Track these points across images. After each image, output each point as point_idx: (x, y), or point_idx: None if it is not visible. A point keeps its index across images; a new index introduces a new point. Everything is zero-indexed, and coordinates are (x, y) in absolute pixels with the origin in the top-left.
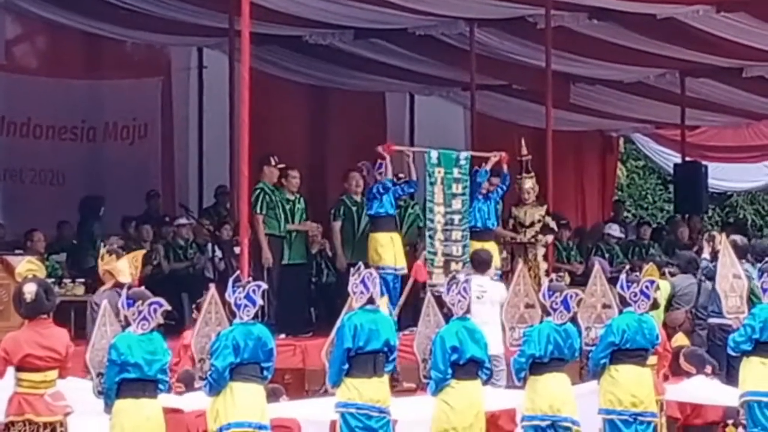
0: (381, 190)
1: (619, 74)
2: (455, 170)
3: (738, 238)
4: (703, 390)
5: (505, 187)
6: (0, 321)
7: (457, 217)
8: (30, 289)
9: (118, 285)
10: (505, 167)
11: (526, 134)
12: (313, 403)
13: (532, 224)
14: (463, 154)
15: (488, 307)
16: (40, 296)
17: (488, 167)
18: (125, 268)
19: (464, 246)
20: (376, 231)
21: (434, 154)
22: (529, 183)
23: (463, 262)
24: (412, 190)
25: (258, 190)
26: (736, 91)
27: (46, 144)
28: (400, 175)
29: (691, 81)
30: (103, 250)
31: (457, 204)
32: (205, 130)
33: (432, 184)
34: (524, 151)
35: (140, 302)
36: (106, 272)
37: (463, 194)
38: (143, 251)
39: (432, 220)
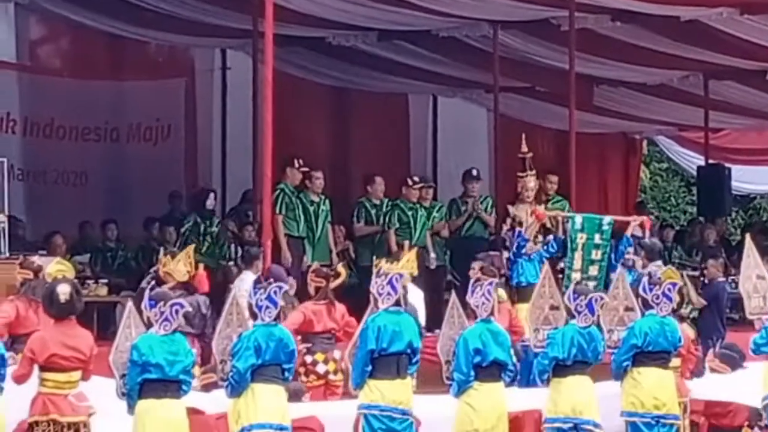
0: (522, 258)
1: (642, 76)
2: (596, 236)
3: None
4: (735, 387)
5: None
6: None
7: (591, 284)
8: (64, 290)
9: (180, 285)
10: (647, 232)
11: (549, 136)
12: (335, 404)
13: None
14: (606, 219)
15: None
16: (74, 297)
17: (629, 233)
18: (182, 267)
19: None
20: (521, 301)
21: (578, 219)
22: (532, 182)
23: None
24: (553, 251)
25: (278, 191)
26: (760, 94)
27: (70, 145)
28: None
29: (715, 83)
30: (161, 254)
31: (593, 270)
32: (229, 131)
33: (573, 250)
34: (524, 148)
35: (162, 303)
36: (166, 274)
37: (602, 260)
38: (192, 246)
39: (567, 287)
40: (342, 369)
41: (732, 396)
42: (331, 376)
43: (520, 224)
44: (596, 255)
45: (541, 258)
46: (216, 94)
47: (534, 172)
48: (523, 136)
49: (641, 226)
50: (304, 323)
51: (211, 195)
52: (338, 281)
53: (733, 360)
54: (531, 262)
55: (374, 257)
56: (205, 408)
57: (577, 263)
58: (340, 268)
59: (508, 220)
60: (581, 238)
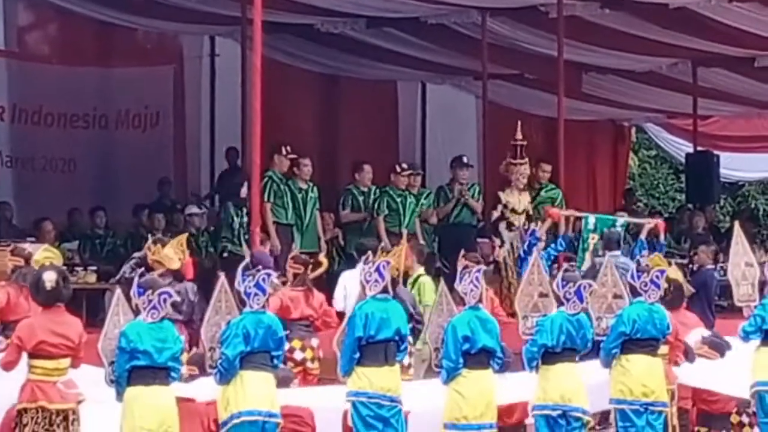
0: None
1: (631, 64)
2: None
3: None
4: (722, 377)
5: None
6: None
7: None
8: (50, 277)
9: (169, 272)
10: (661, 235)
11: (538, 123)
12: (324, 390)
13: (523, 211)
14: (620, 221)
15: None
16: (60, 284)
17: (644, 236)
18: (173, 255)
19: None
20: None
21: (591, 219)
22: (523, 168)
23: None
24: (561, 249)
25: (266, 179)
26: (749, 81)
27: (58, 131)
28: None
29: (704, 71)
30: (149, 242)
31: None
32: (217, 118)
33: (584, 250)
34: (519, 135)
35: (150, 291)
36: (155, 262)
37: None
38: (185, 235)
39: None
40: (319, 357)
41: (719, 386)
42: (309, 364)
43: (513, 211)
44: None
45: (549, 256)
46: (204, 81)
47: (526, 159)
48: (519, 123)
49: (656, 228)
50: (281, 309)
51: (246, 184)
52: (319, 271)
53: (721, 346)
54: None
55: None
56: (194, 395)
57: (587, 263)
58: (322, 258)
59: (499, 207)
60: (593, 239)
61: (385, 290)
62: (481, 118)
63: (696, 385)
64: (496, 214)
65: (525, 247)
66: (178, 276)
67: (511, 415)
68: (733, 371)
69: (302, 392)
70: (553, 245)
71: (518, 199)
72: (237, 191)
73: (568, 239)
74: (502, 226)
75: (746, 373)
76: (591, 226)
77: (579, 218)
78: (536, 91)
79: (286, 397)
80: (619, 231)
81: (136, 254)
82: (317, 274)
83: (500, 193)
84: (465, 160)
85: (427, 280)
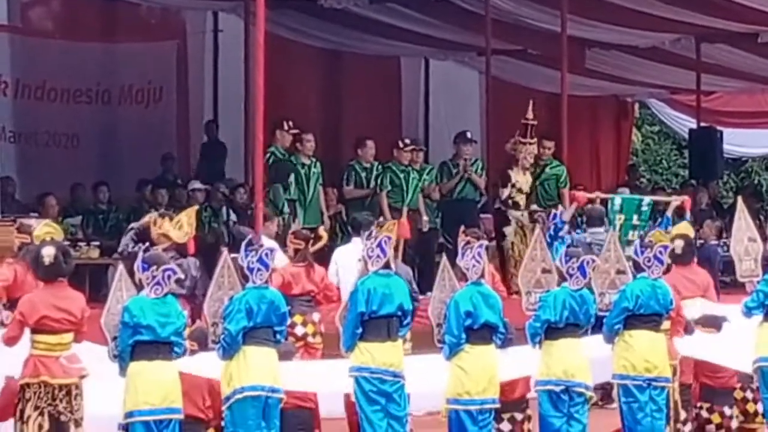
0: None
1: (634, 39)
2: (635, 217)
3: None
4: (723, 350)
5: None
6: None
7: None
8: (49, 252)
9: (172, 247)
10: (687, 213)
11: (542, 99)
12: (327, 364)
13: (527, 191)
14: (646, 200)
15: None
16: (59, 259)
17: (669, 213)
18: (180, 231)
19: None
20: None
21: (617, 200)
22: (532, 148)
23: None
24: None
25: (269, 154)
26: (752, 57)
27: (61, 107)
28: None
29: (707, 46)
30: (154, 215)
31: (629, 251)
32: (220, 93)
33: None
34: (530, 114)
35: (155, 267)
36: (160, 236)
37: None
38: (195, 208)
39: None
40: (320, 332)
41: (720, 359)
42: (310, 339)
43: (519, 191)
44: (633, 236)
45: (574, 241)
46: (207, 57)
47: (536, 139)
48: (531, 102)
49: (682, 205)
50: (283, 285)
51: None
52: (319, 245)
53: (716, 320)
54: (564, 244)
55: None
56: (197, 371)
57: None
58: (322, 231)
59: (509, 186)
60: (619, 219)
61: (387, 266)
62: (484, 94)
63: (697, 357)
64: (507, 193)
65: (551, 232)
66: (181, 251)
67: (514, 391)
68: (735, 346)
69: (306, 365)
70: (578, 230)
71: (524, 179)
72: (221, 165)
73: None
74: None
75: (748, 349)
76: (617, 207)
77: (605, 200)
78: (540, 66)
79: (289, 372)
80: (601, 208)
81: (134, 224)
82: (318, 247)
83: (510, 172)
84: (469, 135)
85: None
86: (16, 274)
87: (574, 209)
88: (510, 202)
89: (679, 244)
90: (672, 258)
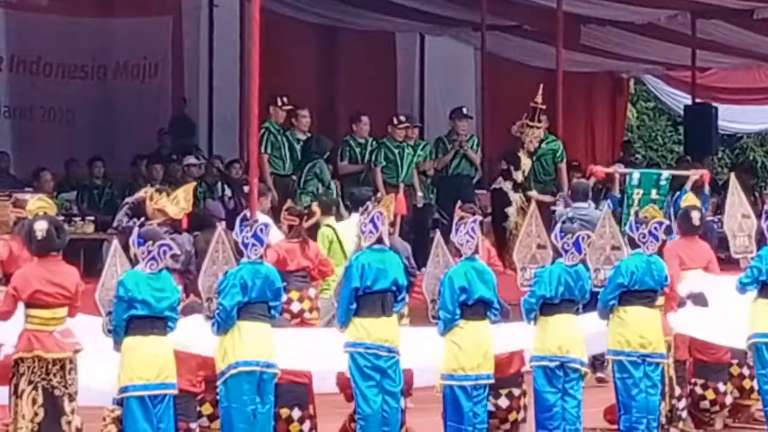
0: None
1: (630, 15)
2: (653, 191)
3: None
4: (716, 326)
5: (704, 210)
6: None
7: None
8: (41, 227)
9: (167, 222)
10: (706, 187)
11: (537, 75)
12: (321, 333)
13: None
14: (664, 174)
15: None
16: (51, 233)
17: (688, 187)
18: (176, 206)
19: None
20: None
21: (636, 175)
22: (538, 132)
23: None
24: (611, 210)
25: (263, 130)
26: (747, 33)
27: (56, 82)
28: None
29: (702, 23)
30: (150, 190)
31: None
32: (216, 69)
33: (629, 206)
34: (539, 98)
35: (151, 242)
36: (156, 211)
37: None
38: (193, 184)
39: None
40: (317, 307)
41: (714, 336)
42: (306, 314)
43: (523, 173)
44: None
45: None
46: (203, 32)
47: (542, 123)
48: (541, 86)
49: (701, 179)
50: (278, 262)
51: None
52: (312, 220)
53: (701, 297)
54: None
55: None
56: (192, 348)
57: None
58: (315, 207)
59: (522, 168)
60: (638, 194)
61: (380, 241)
62: (479, 70)
63: (691, 334)
64: (520, 177)
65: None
66: (175, 226)
67: (510, 366)
68: (729, 322)
69: (300, 332)
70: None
71: (528, 163)
72: (191, 138)
73: (616, 199)
74: (508, 185)
75: (743, 325)
76: (635, 182)
77: (623, 175)
78: (535, 42)
79: (283, 350)
80: (586, 182)
81: (129, 199)
82: (311, 223)
83: (520, 155)
84: (464, 111)
85: (326, 231)
86: (10, 249)
87: (592, 183)
88: (510, 183)
89: (696, 215)
90: (686, 228)
